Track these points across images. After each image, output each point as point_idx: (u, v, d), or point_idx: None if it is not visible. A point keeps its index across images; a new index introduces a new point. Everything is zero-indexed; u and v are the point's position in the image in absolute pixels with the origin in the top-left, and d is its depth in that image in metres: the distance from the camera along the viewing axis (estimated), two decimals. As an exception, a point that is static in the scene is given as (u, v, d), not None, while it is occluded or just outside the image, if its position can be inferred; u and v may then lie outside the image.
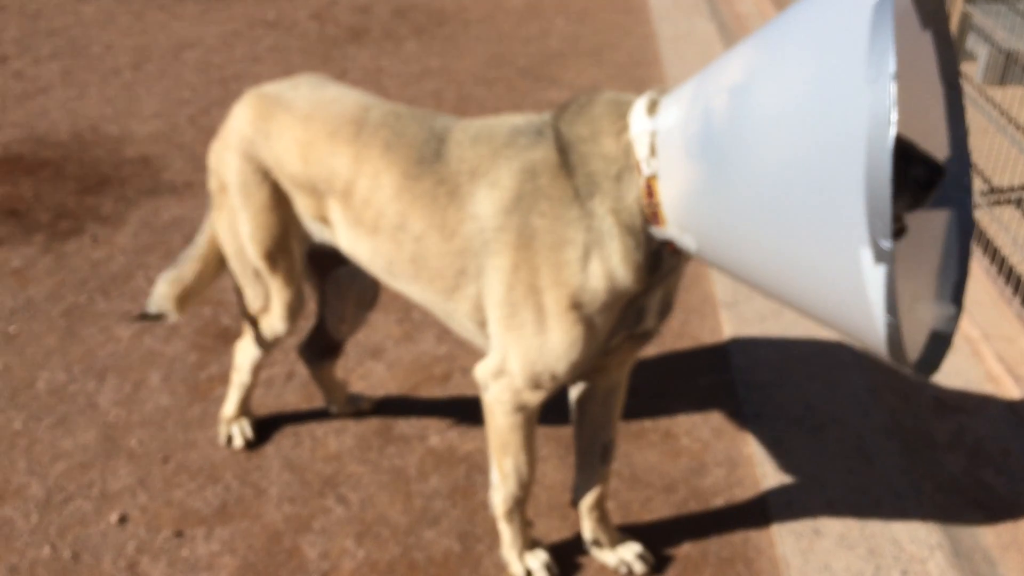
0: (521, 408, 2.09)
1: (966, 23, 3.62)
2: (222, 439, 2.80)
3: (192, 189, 4.41)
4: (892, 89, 1.29)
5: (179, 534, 2.50)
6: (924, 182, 1.54)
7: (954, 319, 1.76)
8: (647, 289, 1.91)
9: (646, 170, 1.75)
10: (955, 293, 1.80)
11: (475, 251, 1.96)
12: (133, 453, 2.78)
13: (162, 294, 2.62)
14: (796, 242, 1.48)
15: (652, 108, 1.78)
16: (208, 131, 5.03)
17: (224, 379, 3.09)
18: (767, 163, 1.52)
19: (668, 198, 1.74)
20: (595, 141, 1.82)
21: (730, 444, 2.82)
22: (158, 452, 2.78)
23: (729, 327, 3.33)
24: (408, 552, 2.44)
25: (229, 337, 3.30)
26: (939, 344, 1.75)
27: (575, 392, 2.30)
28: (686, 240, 1.75)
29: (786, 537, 2.43)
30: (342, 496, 2.63)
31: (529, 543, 2.35)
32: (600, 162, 1.81)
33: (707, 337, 3.35)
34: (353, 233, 2.18)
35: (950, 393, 3.00)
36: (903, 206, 1.58)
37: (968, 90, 4.64)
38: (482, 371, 2.09)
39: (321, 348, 2.78)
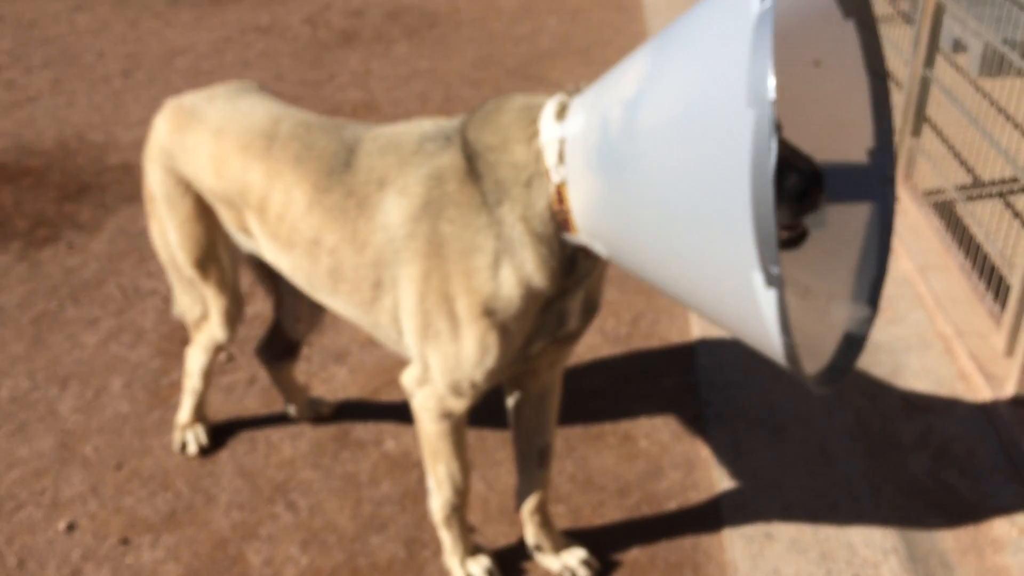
0: (447, 415, 2.05)
1: (940, 13, 3.54)
2: (176, 445, 2.78)
3: (171, 195, 4.40)
4: (771, 114, 1.23)
5: (125, 541, 2.48)
6: (798, 192, 1.48)
7: (869, 321, 1.71)
8: (566, 292, 1.86)
9: (555, 177, 1.71)
10: (872, 292, 1.74)
11: (387, 262, 1.93)
12: (88, 460, 2.77)
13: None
14: (693, 260, 1.43)
15: (561, 112, 1.73)
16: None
17: (186, 385, 3.07)
18: (659, 182, 1.47)
19: (577, 206, 1.69)
20: (504, 149, 1.77)
21: (689, 446, 2.76)
22: (112, 459, 2.77)
23: (698, 327, 3.28)
24: (352, 559, 2.41)
25: (194, 343, 3.28)
26: (852, 347, 1.69)
27: (511, 397, 2.25)
28: (598, 247, 1.71)
29: (736, 541, 2.38)
30: (291, 502, 2.60)
31: (471, 549, 2.31)
32: (509, 170, 1.76)
33: (675, 337, 3.30)
34: (272, 246, 2.16)
35: (919, 393, 2.93)
36: (785, 216, 1.52)
37: (959, 82, 4.55)
38: (407, 379, 2.06)
39: (279, 349, 2.76)
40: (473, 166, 1.80)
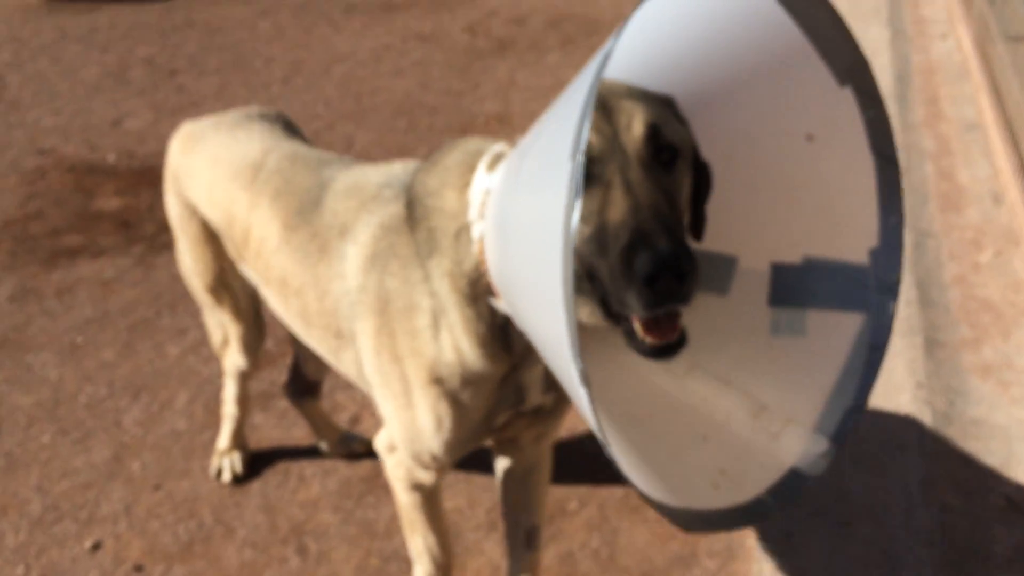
0: (417, 487, 1.89)
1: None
2: (213, 471, 2.78)
3: (290, 205, 4.48)
4: (576, 170, 1.01)
5: (139, 568, 2.49)
6: (645, 275, 1.20)
7: (825, 458, 1.40)
8: (515, 366, 1.65)
9: (475, 232, 1.52)
10: (841, 426, 1.42)
11: (345, 314, 1.79)
12: (131, 477, 2.81)
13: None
14: (549, 343, 1.20)
15: (495, 162, 1.54)
16: (327, 147, 5.10)
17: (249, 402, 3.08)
18: (520, 244, 1.26)
19: (490, 266, 1.49)
20: (439, 194, 1.60)
21: (735, 532, 2.45)
22: (154, 478, 2.80)
23: (783, 388, 2.92)
24: (343, 617, 2.31)
25: (266, 361, 3.29)
26: (793, 486, 1.39)
27: (499, 466, 2.06)
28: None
29: (756, 656, 2.07)
30: (303, 546, 2.52)
31: (455, 626, 2.14)
32: (440, 218, 1.59)
33: (756, 398, 2.96)
34: (256, 279, 2.08)
35: (1031, 493, 2.47)
36: (635, 304, 1.23)
37: None
38: (379, 443, 1.92)
39: (301, 387, 2.70)
40: (411, 212, 1.64)
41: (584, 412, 1.15)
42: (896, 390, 2.80)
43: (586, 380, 1.10)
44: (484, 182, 1.53)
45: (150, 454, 2.91)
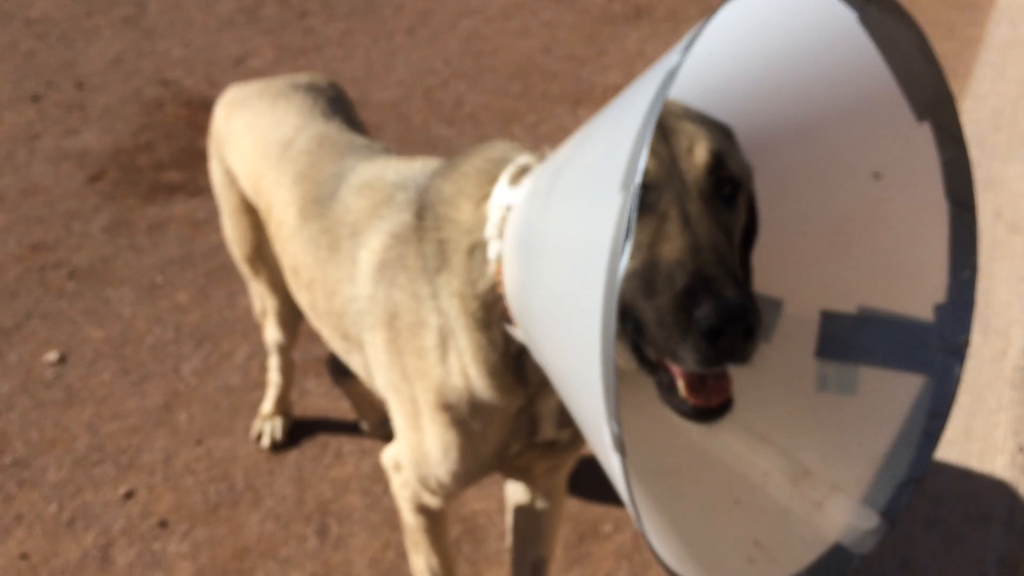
0: (422, 509, 1.77)
1: None
2: (253, 433, 2.75)
3: (389, 163, 4.40)
4: (630, 201, 0.87)
5: (163, 524, 2.48)
6: (707, 328, 1.02)
7: (875, 535, 1.21)
8: (530, 398, 1.49)
9: (492, 252, 1.37)
10: (893, 500, 1.23)
11: (353, 319, 1.67)
12: (177, 428, 2.81)
13: None
14: (573, 393, 1.07)
15: (519, 175, 1.37)
16: (436, 105, 5.01)
17: (303, 367, 3.04)
18: (548, 278, 1.11)
19: (508, 291, 1.34)
20: (454, 203, 1.46)
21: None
22: (197, 432, 2.79)
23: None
24: (348, 610, 2.23)
25: (328, 325, 3.23)
26: (837, 563, 1.21)
27: (510, 494, 1.91)
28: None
29: None
30: (324, 527, 2.46)
31: (454, 647, 2.02)
32: (453, 230, 1.44)
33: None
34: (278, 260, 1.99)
35: None
36: (690, 359, 1.06)
37: None
38: (385, 459, 1.80)
39: (341, 365, 2.61)
40: (422, 220, 1.50)
41: (615, 480, 1.01)
42: (992, 451, 2.50)
43: (621, 447, 0.95)
44: (505, 196, 1.37)
45: (199, 406, 2.90)
